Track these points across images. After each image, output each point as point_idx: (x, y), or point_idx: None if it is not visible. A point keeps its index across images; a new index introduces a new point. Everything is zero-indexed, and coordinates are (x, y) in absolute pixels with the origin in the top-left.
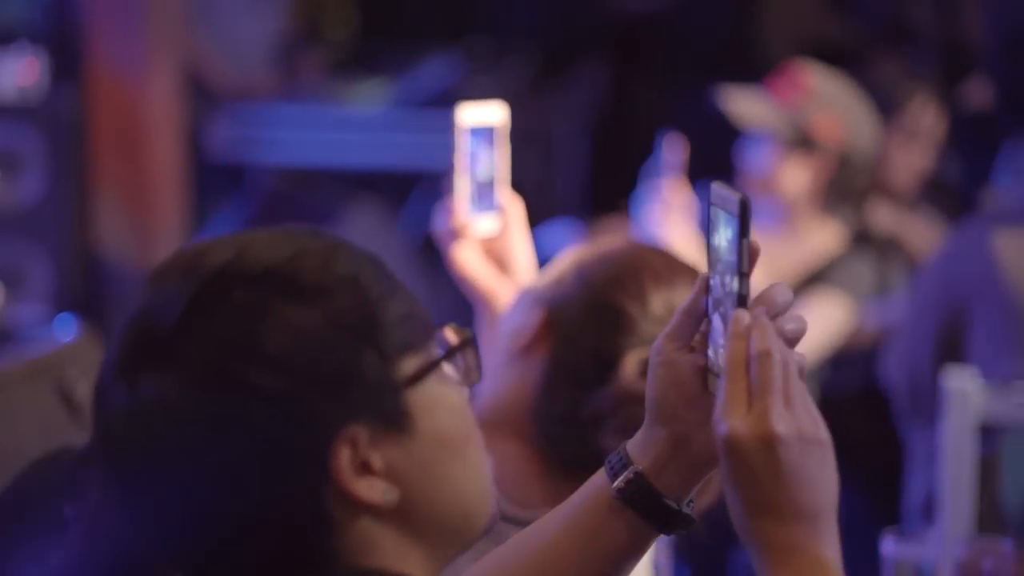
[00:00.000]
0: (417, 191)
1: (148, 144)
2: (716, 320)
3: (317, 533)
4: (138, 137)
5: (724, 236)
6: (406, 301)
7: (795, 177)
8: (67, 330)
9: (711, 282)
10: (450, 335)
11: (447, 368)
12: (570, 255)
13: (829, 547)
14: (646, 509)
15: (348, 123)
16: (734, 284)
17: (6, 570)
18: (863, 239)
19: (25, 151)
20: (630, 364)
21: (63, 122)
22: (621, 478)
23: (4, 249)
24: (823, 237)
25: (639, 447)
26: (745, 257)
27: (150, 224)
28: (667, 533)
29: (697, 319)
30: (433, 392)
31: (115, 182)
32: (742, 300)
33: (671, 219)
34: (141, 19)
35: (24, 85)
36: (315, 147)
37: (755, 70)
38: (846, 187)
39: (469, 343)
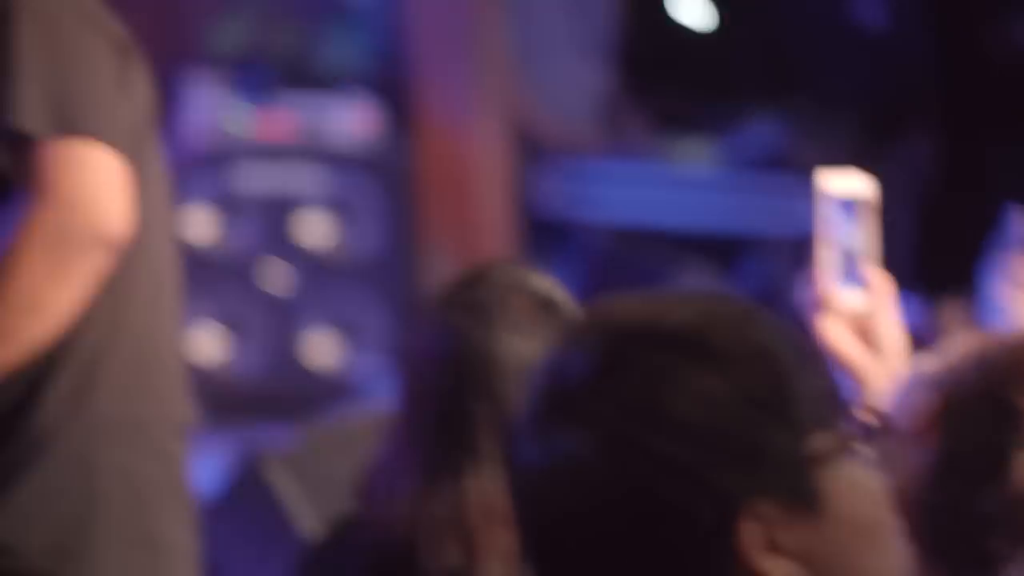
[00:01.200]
0: (744, 255)
1: (477, 196)
2: None
3: None
4: (467, 189)
5: None
6: (817, 375)
7: None
8: None
9: None
10: (860, 414)
11: (859, 449)
12: (970, 341)
13: None
14: None
15: (675, 182)
16: None
17: None
18: None
19: (358, 201)
20: (1023, 465)
21: (395, 173)
22: None
23: (341, 299)
24: None
25: None
26: None
27: None
28: None
29: None
30: (845, 473)
31: (445, 234)
32: None
33: (1021, 297)
34: (469, 70)
35: (359, 134)
36: (641, 206)
37: None
38: None
39: (883, 424)
